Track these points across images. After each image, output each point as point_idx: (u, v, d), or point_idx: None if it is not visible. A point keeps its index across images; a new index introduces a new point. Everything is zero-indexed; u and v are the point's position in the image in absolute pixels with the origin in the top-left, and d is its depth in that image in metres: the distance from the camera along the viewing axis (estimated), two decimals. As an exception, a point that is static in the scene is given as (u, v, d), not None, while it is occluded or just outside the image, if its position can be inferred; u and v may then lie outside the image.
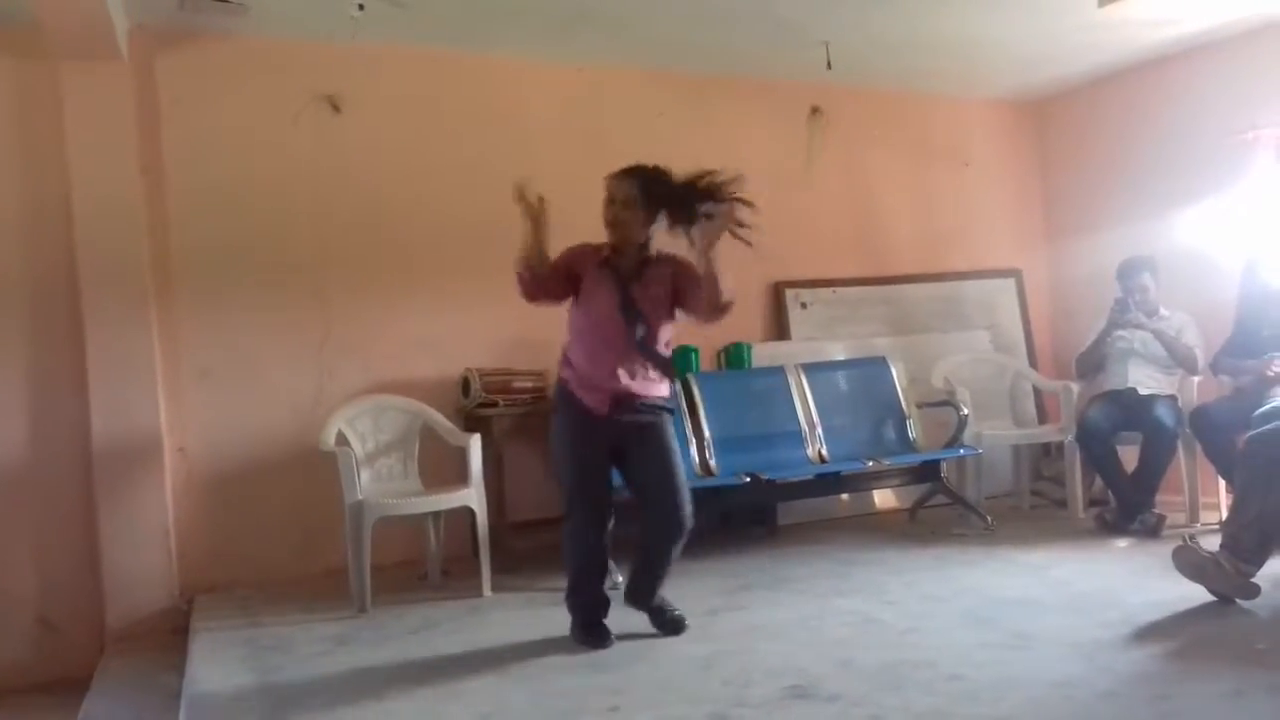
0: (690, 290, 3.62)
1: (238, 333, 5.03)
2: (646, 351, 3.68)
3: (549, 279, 3.62)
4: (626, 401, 3.68)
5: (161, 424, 4.78)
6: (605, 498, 3.75)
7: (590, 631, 3.76)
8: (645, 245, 3.72)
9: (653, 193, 3.63)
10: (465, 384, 5.25)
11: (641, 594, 3.88)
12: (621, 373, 3.66)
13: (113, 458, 4.65)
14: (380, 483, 4.83)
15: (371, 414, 4.93)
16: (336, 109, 5.22)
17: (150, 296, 4.79)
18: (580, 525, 3.75)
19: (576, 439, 3.73)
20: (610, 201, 3.66)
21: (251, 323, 5.06)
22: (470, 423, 5.09)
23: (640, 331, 3.64)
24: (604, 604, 3.83)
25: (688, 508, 3.70)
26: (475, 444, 4.69)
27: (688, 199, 3.59)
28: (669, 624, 3.82)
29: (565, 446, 3.77)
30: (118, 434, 4.66)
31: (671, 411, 3.83)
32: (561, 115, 5.72)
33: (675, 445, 3.77)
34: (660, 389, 3.77)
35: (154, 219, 4.85)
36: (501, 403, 5.12)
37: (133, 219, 4.74)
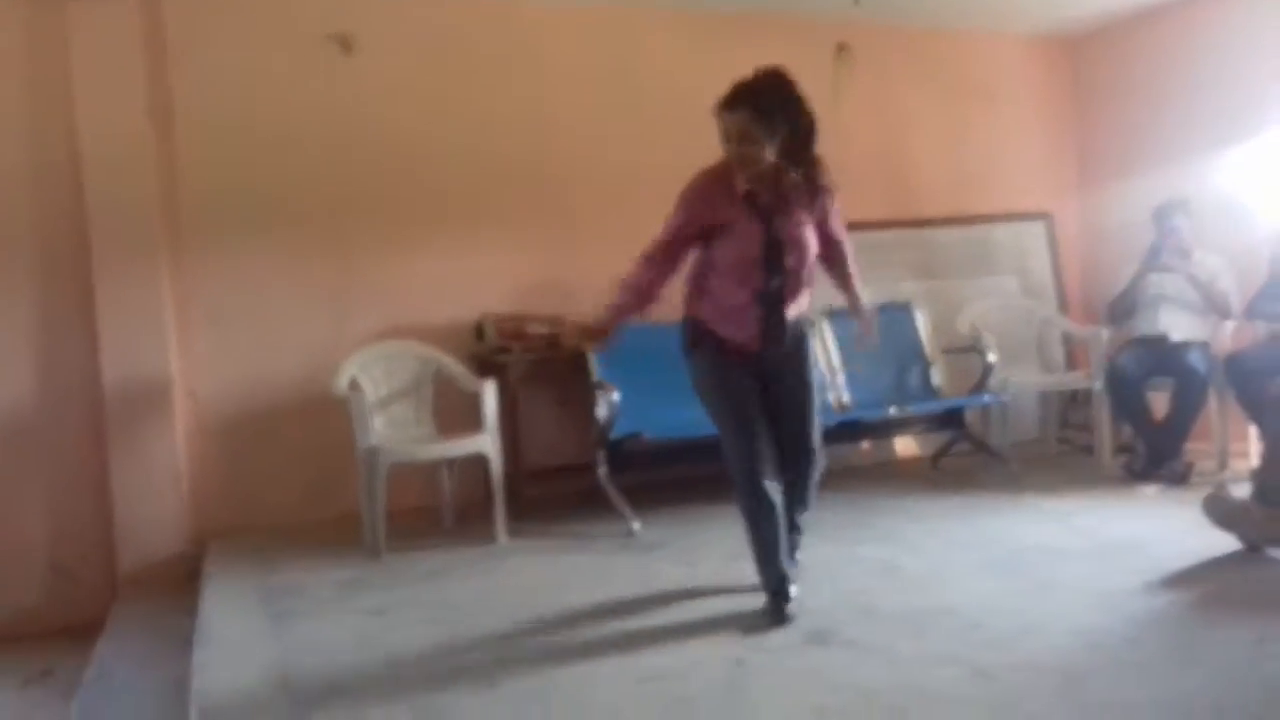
0: (832, 246, 3.46)
1: (249, 277, 4.97)
2: (790, 287, 3.33)
3: (673, 255, 3.34)
4: (775, 332, 3.34)
5: (172, 369, 4.75)
6: (766, 447, 3.33)
7: (779, 602, 3.30)
8: (781, 168, 3.24)
9: (773, 112, 3.14)
10: (479, 329, 5.18)
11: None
12: (765, 306, 3.31)
13: (124, 404, 4.62)
14: (393, 428, 4.79)
15: (384, 359, 4.88)
16: (349, 48, 5.11)
17: (160, 241, 4.74)
18: (749, 484, 3.29)
19: (728, 380, 3.34)
20: (726, 139, 3.19)
21: (263, 267, 5.00)
22: (484, 368, 5.02)
23: (790, 262, 3.29)
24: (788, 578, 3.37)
25: (818, 435, 3.45)
26: (490, 390, 4.64)
27: (808, 134, 3.22)
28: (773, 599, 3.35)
29: (714, 392, 3.36)
30: (129, 380, 4.63)
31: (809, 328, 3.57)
32: (581, 56, 5.59)
33: (813, 377, 3.48)
34: (802, 304, 3.42)
35: (163, 162, 4.78)
36: (516, 348, 5.05)
37: (141, 162, 4.67)
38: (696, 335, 3.38)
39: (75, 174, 4.57)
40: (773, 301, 3.30)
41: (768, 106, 3.14)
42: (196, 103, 4.87)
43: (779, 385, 3.38)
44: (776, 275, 3.28)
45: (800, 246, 3.29)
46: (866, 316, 3.64)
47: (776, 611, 3.26)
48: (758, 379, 3.36)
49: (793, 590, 3.32)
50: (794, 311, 3.37)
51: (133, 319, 4.64)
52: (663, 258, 3.32)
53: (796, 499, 3.48)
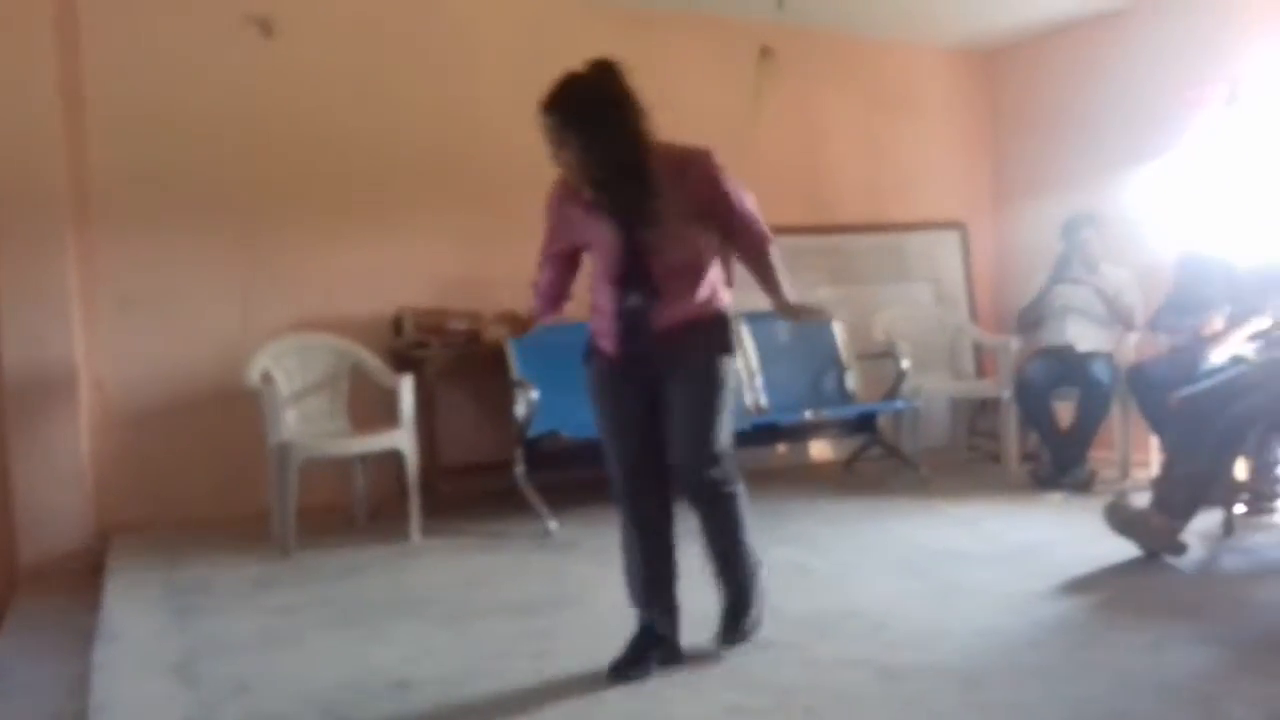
0: (723, 220, 2.94)
1: (160, 262, 4.85)
2: (666, 295, 2.89)
3: (554, 266, 3.05)
4: (639, 345, 2.92)
5: (77, 356, 4.62)
6: (646, 467, 2.96)
7: (625, 658, 2.91)
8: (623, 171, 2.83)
9: (588, 116, 2.77)
10: (398, 323, 5.12)
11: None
12: (627, 319, 2.92)
13: (26, 390, 4.48)
14: (307, 423, 4.71)
15: (299, 351, 4.80)
16: (269, 32, 5.02)
17: (67, 223, 4.60)
18: (622, 511, 3.02)
19: (608, 395, 2.99)
20: (548, 142, 2.84)
21: (175, 252, 4.89)
22: (402, 363, 4.96)
23: (658, 270, 2.86)
24: (661, 623, 2.98)
25: (707, 465, 2.90)
26: (407, 385, 4.59)
27: (634, 138, 2.79)
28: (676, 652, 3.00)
29: (596, 407, 3.02)
30: (31, 365, 4.49)
31: (721, 335, 2.96)
32: (504, 47, 5.54)
33: (708, 390, 2.90)
34: (691, 311, 2.90)
35: (73, 141, 4.64)
36: (435, 343, 5.01)
37: (49, 140, 4.53)
38: (587, 347, 3.06)
39: (-21, 152, 4.43)
40: (636, 314, 2.89)
41: (582, 110, 2.77)
42: (109, 83, 4.75)
43: (666, 399, 2.92)
44: (639, 286, 2.88)
45: (668, 252, 2.85)
46: (796, 312, 3.10)
47: (626, 657, 2.91)
48: (646, 392, 2.95)
49: (670, 630, 2.98)
50: (674, 319, 2.88)
51: (36, 303, 4.50)
52: (545, 268, 3.08)
53: (709, 532, 3.02)
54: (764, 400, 5.44)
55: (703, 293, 2.92)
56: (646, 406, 2.95)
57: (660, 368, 2.91)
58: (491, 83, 5.42)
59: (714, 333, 2.95)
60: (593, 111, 2.77)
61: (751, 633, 3.04)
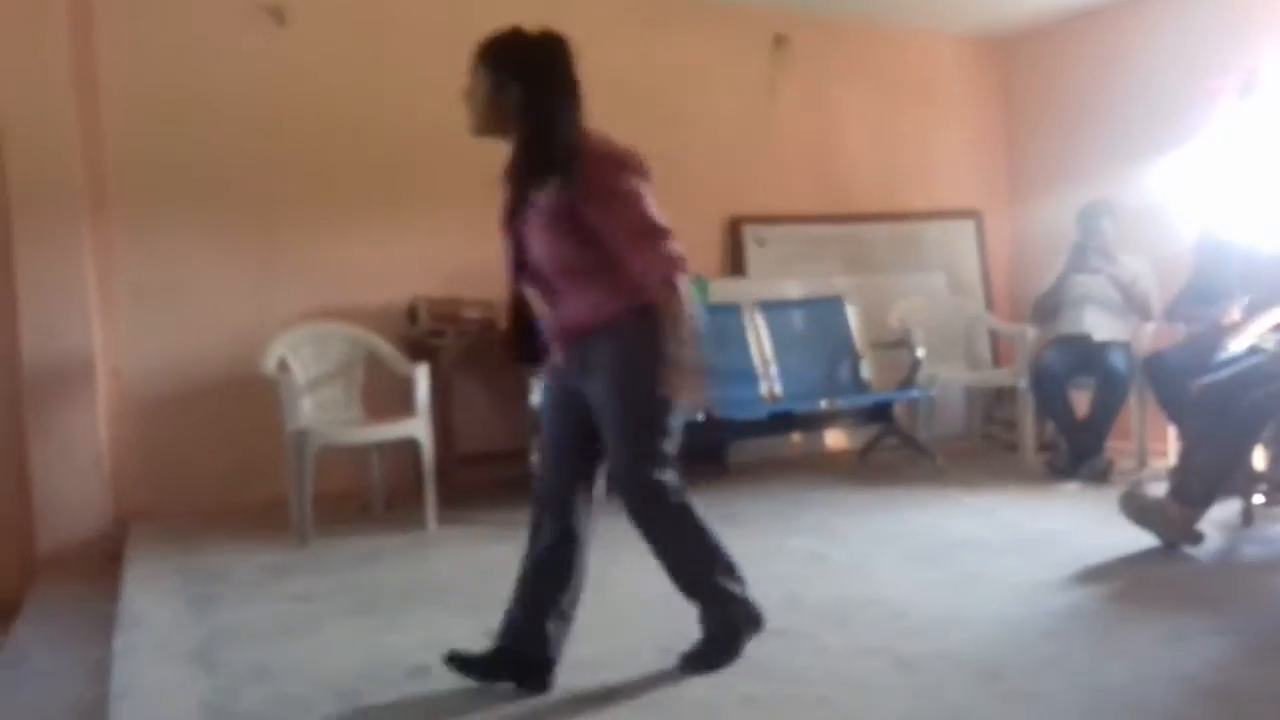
0: (601, 221, 2.59)
1: (176, 252, 4.87)
2: (553, 291, 2.69)
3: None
4: (527, 342, 2.79)
5: (95, 345, 4.64)
6: (555, 484, 2.77)
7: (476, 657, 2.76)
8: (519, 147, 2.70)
9: (501, 66, 2.71)
10: (412, 312, 5.13)
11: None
12: (515, 313, 2.79)
13: (44, 379, 4.51)
14: (322, 411, 4.73)
15: (314, 340, 4.81)
16: (282, 19, 5.02)
17: (83, 213, 4.62)
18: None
19: (544, 395, 2.90)
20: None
21: (190, 242, 4.90)
22: (417, 352, 4.97)
23: (533, 262, 2.69)
24: (526, 648, 2.73)
25: (627, 469, 2.67)
26: (422, 373, 4.60)
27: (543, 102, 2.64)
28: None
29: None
30: (48, 354, 4.52)
31: (630, 335, 2.61)
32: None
33: (621, 391, 2.63)
34: (591, 311, 2.63)
35: (87, 132, 4.66)
36: (450, 332, 5.01)
37: (64, 132, 4.55)
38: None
39: (-6, 142, 4.46)
40: (521, 307, 2.77)
41: (496, 59, 2.70)
42: (123, 71, 4.76)
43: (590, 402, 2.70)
44: (523, 278, 2.73)
45: (537, 245, 2.66)
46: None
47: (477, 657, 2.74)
48: (568, 394, 2.75)
49: (545, 655, 2.72)
50: (572, 317, 2.66)
51: (54, 292, 4.52)
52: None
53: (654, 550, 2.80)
54: (779, 389, 5.44)
55: (596, 305, 2.63)
56: (570, 410, 2.74)
57: (578, 370, 2.69)
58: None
59: (613, 346, 2.63)
60: (514, 58, 2.72)
61: (714, 660, 2.78)
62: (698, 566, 2.77)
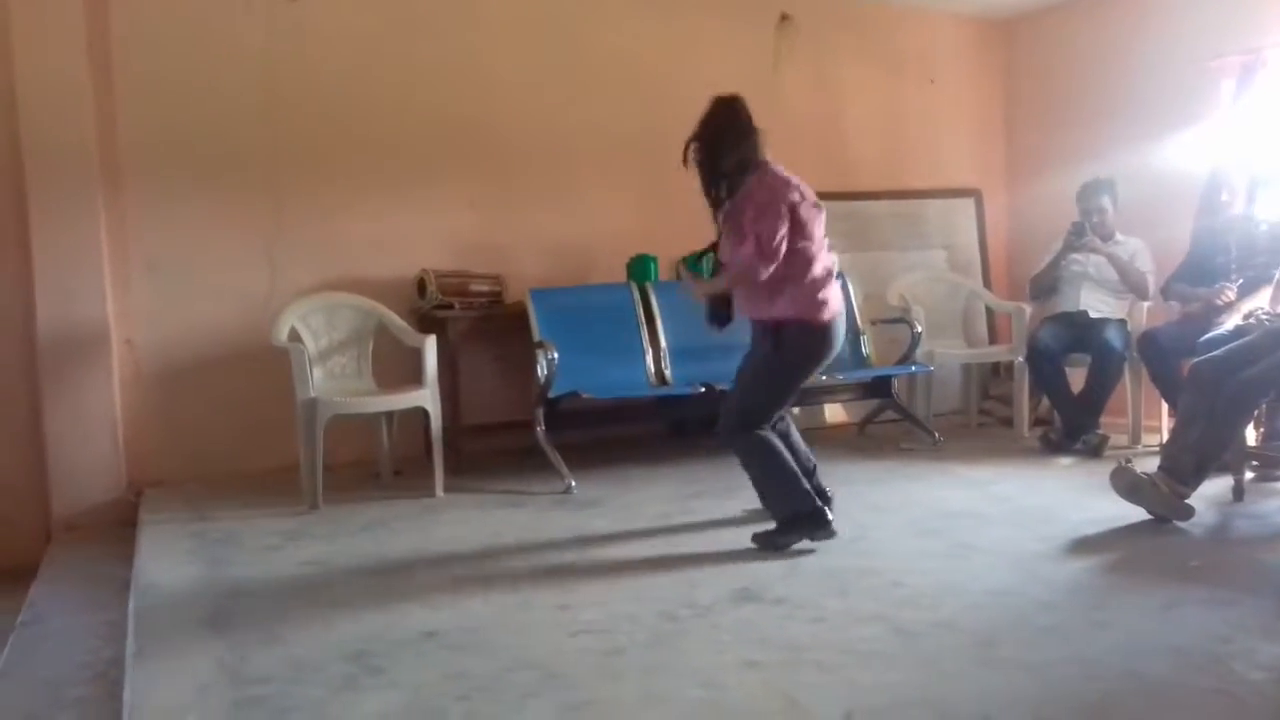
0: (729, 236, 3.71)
1: (188, 225, 4.93)
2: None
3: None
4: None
5: (109, 315, 4.71)
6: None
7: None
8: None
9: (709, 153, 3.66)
10: (421, 285, 5.18)
11: None
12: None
13: (59, 348, 4.58)
14: (333, 381, 4.80)
15: (325, 311, 4.88)
16: (292, -3, 5.06)
17: (98, 185, 4.67)
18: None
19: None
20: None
21: (203, 215, 4.96)
22: (425, 324, 5.05)
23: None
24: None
25: (728, 419, 3.72)
26: (430, 344, 4.66)
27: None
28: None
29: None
30: (64, 324, 4.58)
31: (775, 332, 3.69)
32: (523, 13, 5.57)
33: (752, 365, 3.79)
34: (755, 309, 3.73)
35: (101, 106, 4.71)
36: (458, 305, 5.07)
37: (80, 105, 4.60)
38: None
39: (12, 116, 4.50)
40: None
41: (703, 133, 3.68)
42: (137, 47, 4.81)
43: None
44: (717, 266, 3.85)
45: (725, 243, 3.73)
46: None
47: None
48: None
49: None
50: (747, 304, 3.75)
51: (69, 264, 4.58)
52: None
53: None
54: (780, 363, 5.50)
55: (760, 299, 3.71)
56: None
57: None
58: (512, 50, 5.46)
59: (768, 331, 3.72)
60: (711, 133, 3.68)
61: (768, 542, 3.64)
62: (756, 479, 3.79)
